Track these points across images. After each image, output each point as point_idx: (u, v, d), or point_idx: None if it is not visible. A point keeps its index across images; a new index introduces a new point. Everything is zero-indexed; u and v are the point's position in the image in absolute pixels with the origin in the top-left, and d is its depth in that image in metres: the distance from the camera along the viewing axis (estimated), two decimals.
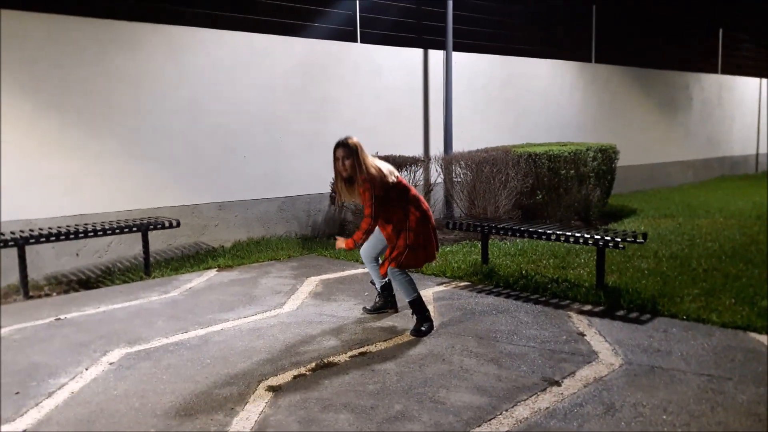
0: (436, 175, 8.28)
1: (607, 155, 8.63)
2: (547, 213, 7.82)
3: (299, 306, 4.88)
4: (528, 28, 10.19)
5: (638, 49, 12.33)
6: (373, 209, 3.98)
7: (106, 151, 6.13)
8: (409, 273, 4.25)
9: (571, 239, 5.01)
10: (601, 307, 4.65)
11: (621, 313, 4.51)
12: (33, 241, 5.21)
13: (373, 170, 4.01)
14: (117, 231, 5.65)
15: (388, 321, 4.46)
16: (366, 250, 4.47)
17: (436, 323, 4.32)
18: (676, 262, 5.82)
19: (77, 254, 6.01)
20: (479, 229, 5.72)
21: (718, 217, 8.45)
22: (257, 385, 3.36)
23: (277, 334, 4.19)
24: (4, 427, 2.95)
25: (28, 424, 2.97)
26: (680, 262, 5.78)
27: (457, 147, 8.69)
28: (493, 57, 9.58)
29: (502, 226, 5.56)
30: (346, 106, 7.93)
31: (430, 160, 8.25)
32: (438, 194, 8.59)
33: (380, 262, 4.43)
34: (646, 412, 2.96)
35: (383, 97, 8.28)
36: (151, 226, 5.88)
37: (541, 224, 5.82)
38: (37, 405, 3.18)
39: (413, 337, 4.08)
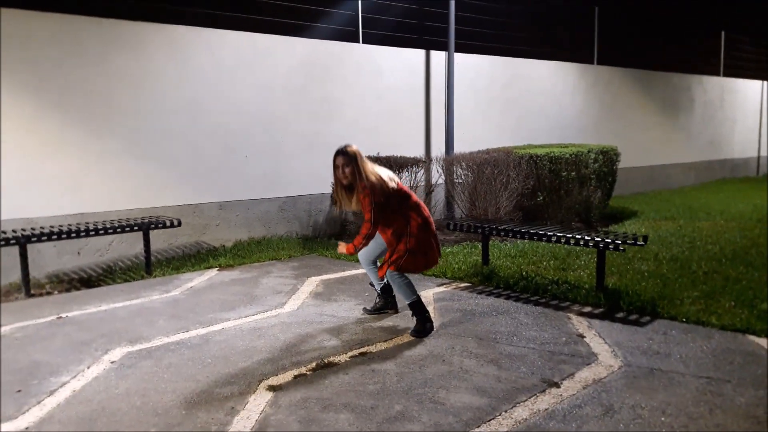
0: (437, 176, 8.29)
1: (609, 157, 8.64)
2: (547, 214, 7.83)
3: (300, 306, 4.90)
4: (530, 29, 10.20)
5: (640, 50, 12.33)
6: (373, 214, 4.00)
7: (107, 151, 6.14)
8: (409, 275, 4.26)
9: (572, 241, 5.02)
10: (601, 309, 4.66)
11: (621, 315, 4.52)
12: (35, 239, 5.23)
13: (373, 177, 4.03)
14: (118, 230, 5.66)
15: (389, 321, 4.48)
16: (364, 252, 4.47)
17: (436, 324, 4.34)
18: (676, 264, 5.83)
19: (78, 253, 6.03)
20: (480, 230, 5.73)
21: (718, 220, 8.45)
22: (258, 385, 3.38)
23: (277, 334, 4.21)
24: (7, 425, 2.97)
25: (30, 422, 2.99)
26: (680, 265, 5.79)
27: (459, 148, 8.70)
28: (495, 58, 9.59)
29: (502, 227, 5.57)
30: (348, 107, 7.94)
31: (431, 161, 8.26)
32: (439, 195, 8.61)
33: (378, 264, 4.44)
34: (645, 414, 2.98)
35: (385, 97, 8.29)
36: (153, 226, 5.90)
37: (541, 226, 5.83)
38: (39, 403, 3.20)
39: (413, 338, 4.10)
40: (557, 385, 3.32)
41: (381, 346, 3.97)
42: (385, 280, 4.55)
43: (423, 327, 4.16)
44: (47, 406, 3.16)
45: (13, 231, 5.35)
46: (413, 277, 4.70)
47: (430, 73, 8.75)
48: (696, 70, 13.84)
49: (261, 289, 5.42)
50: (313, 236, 7.72)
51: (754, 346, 3.86)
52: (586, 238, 4.94)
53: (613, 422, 2.90)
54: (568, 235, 5.07)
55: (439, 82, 8.82)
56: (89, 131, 6.02)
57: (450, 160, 7.99)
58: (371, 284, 4.71)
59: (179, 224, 6.10)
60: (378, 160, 7.37)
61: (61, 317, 4.65)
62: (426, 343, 4.01)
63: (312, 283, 5.61)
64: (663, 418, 2.93)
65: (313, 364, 3.66)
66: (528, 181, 7.53)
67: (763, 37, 15.59)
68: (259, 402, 3.17)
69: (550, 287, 5.14)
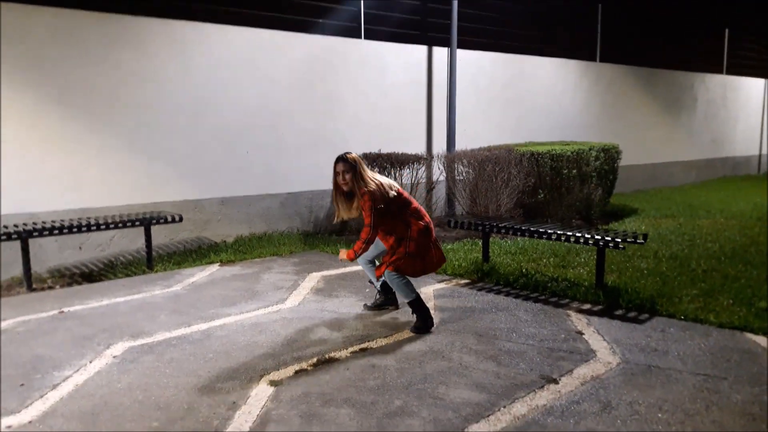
0: (439, 172, 8.30)
1: (610, 155, 8.64)
2: (548, 212, 7.85)
3: (301, 302, 4.92)
4: (533, 27, 10.19)
5: (643, 48, 12.31)
6: (373, 219, 4.05)
7: (108, 146, 6.16)
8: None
9: (572, 239, 5.04)
10: (600, 307, 4.68)
11: (620, 312, 4.54)
12: (36, 234, 5.25)
13: (373, 184, 4.09)
14: (120, 225, 5.69)
15: (389, 317, 4.50)
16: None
17: (436, 320, 4.36)
18: (675, 262, 5.84)
19: (80, 247, 6.06)
20: (480, 227, 5.75)
21: (718, 218, 8.46)
22: (259, 380, 3.41)
23: (278, 330, 4.23)
24: (10, 419, 3.00)
25: (33, 416, 3.02)
26: (680, 263, 5.80)
27: (460, 145, 8.71)
28: (498, 55, 9.59)
29: (503, 224, 5.59)
30: (350, 103, 7.95)
31: (432, 157, 8.27)
32: (440, 192, 8.62)
33: (376, 264, 4.47)
34: (642, 411, 3.00)
35: (388, 94, 8.30)
36: (154, 221, 5.93)
37: (542, 223, 5.85)
38: (42, 397, 3.23)
39: (413, 334, 4.12)
40: (556, 382, 3.34)
41: (381, 341, 4.00)
42: (382, 279, 4.57)
43: (423, 323, 4.19)
44: (50, 400, 3.19)
45: (15, 225, 5.37)
46: None
47: (432, 70, 8.75)
48: (699, 68, 13.82)
49: (262, 284, 5.45)
50: (314, 232, 7.74)
51: (751, 343, 3.89)
52: (586, 236, 4.96)
53: (611, 418, 2.93)
54: (568, 233, 5.09)
55: (441, 79, 8.82)
56: (91, 126, 6.04)
57: (451, 157, 8.00)
58: (370, 282, 4.73)
59: (181, 219, 6.13)
60: (379, 156, 7.40)
61: (62, 312, 4.68)
62: (426, 339, 4.04)
63: (313, 278, 5.64)
64: (660, 415, 2.96)
65: (314, 360, 3.68)
66: (529, 179, 7.54)
67: (766, 36, 15.55)
68: (260, 397, 3.20)
69: (549, 284, 5.16)
